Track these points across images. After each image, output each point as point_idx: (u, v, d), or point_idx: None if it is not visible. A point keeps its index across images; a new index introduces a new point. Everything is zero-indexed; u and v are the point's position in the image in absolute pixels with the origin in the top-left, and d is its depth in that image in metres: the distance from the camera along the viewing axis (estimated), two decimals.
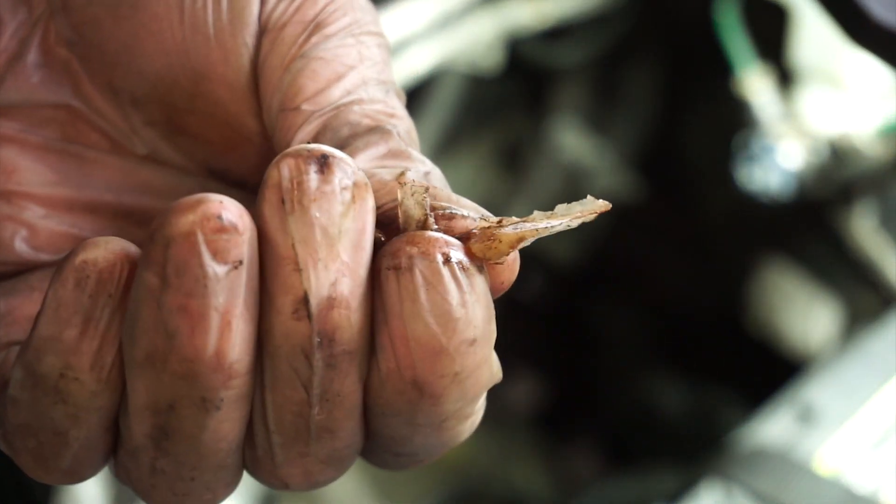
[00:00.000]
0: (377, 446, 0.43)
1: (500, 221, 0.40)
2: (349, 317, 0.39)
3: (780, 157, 1.30)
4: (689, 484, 1.00)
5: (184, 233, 0.37)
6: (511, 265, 0.42)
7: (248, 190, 0.48)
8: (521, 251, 0.41)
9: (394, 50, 1.20)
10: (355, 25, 0.45)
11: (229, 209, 0.38)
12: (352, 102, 0.43)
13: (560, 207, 0.41)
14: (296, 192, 0.38)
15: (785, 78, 1.32)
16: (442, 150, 1.39)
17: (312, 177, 0.38)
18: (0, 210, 0.46)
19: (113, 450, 0.42)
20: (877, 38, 0.77)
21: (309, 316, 0.38)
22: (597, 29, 1.44)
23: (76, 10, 0.46)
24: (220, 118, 0.46)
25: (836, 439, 1.03)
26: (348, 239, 0.39)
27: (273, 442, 0.40)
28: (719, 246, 1.51)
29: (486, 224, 0.40)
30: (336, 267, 0.38)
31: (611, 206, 0.41)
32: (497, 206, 1.46)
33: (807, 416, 1.04)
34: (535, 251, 1.61)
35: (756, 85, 1.31)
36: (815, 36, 1.24)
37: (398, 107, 0.45)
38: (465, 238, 0.40)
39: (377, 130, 0.43)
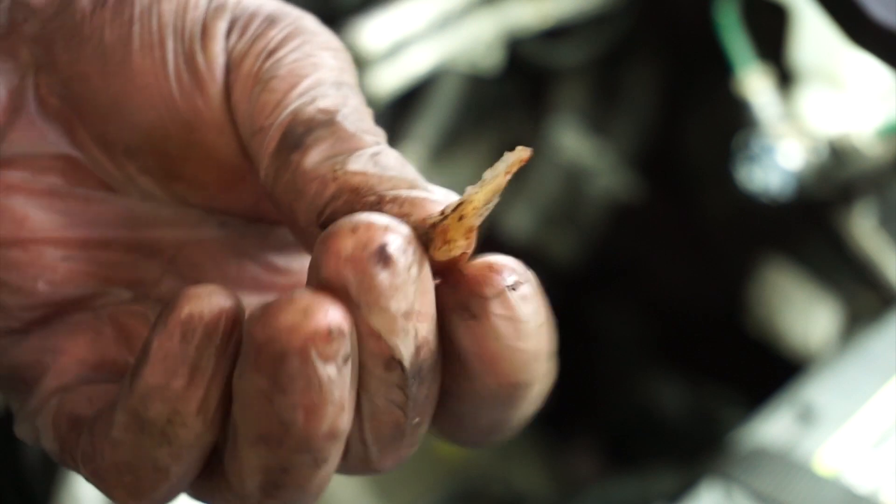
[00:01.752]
0: None
1: (442, 212, 0.40)
2: (431, 349, 0.40)
3: (780, 157, 1.30)
4: (689, 484, 1.00)
5: (296, 349, 0.37)
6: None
7: (247, 219, 0.49)
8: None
9: (394, 50, 1.20)
10: (307, 45, 0.46)
11: (334, 313, 0.38)
12: (304, 103, 0.44)
13: (487, 173, 0.40)
14: (369, 295, 0.38)
15: (785, 78, 1.32)
16: (442, 150, 1.39)
17: (381, 277, 0.38)
18: (19, 259, 0.46)
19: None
20: (877, 38, 0.76)
21: (402, 368, 0.40)
22: (597, 29, 1.44)
23: (63, 67, 0.47)
24: (214, 162, 0.47)
25: (836, 439, 1.03)
26: (420, 297, 0.39)
27: (370, 451, 0.42)
28: (719, 246, 1.51)
29: (434, 220, 0.40)
30: (415, 323, 0.39)
31: (531, 150, 0.40)
32: (497, 205, 1.45)
33: (807, 416, 1.04)
34: (536, 251, 1.61)
35: (756, 85, 1.31)
36: (815, 36, 1.24)
37: (350, 96, 0.45)
38: (422, 239, 0.39)
39: (325, 124, 0.44)
